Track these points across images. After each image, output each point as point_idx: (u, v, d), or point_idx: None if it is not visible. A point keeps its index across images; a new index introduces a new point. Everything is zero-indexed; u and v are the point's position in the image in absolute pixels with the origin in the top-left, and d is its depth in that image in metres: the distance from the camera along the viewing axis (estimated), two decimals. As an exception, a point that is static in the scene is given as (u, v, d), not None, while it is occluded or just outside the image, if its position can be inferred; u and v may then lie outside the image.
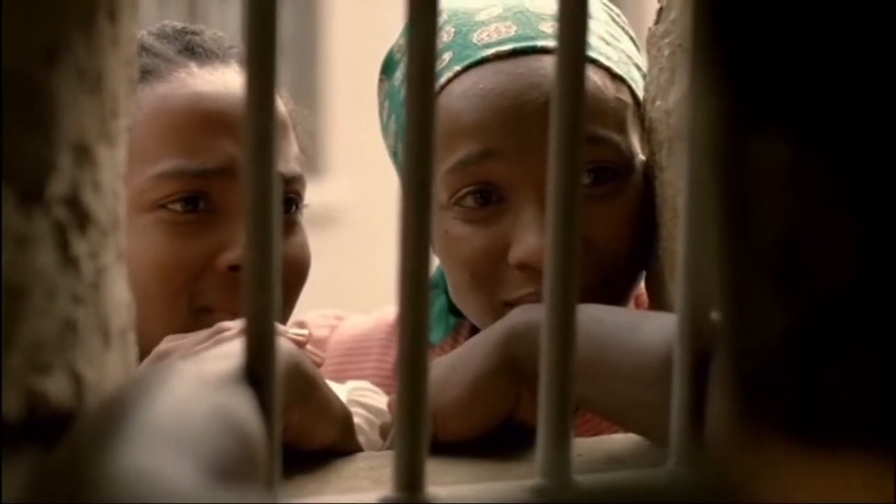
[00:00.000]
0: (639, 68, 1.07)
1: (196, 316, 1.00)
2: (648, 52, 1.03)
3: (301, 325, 1.28)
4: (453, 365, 0.89)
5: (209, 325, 0.94)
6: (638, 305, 1.12)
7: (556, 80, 0.65)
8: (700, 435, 0.71)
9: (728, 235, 0.41)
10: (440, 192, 1.01)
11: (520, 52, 1.01)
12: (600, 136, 0.99)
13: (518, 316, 0.88)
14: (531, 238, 0.96)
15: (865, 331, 0.37)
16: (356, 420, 1.03)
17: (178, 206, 1.01)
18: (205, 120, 1.02)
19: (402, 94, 0.63)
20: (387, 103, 1.11)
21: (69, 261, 0.59)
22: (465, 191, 1.00)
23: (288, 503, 0.66)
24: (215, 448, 0.55)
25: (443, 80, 1.02)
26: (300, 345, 0.91)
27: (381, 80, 1.12)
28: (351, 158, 5.59)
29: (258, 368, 0.62)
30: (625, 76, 1.04)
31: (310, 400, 0.79)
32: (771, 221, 0.38)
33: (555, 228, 0.66)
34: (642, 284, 1.07)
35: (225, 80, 1.04)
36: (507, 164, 0.98)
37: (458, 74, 1.02)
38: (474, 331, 1.11)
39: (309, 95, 5.71)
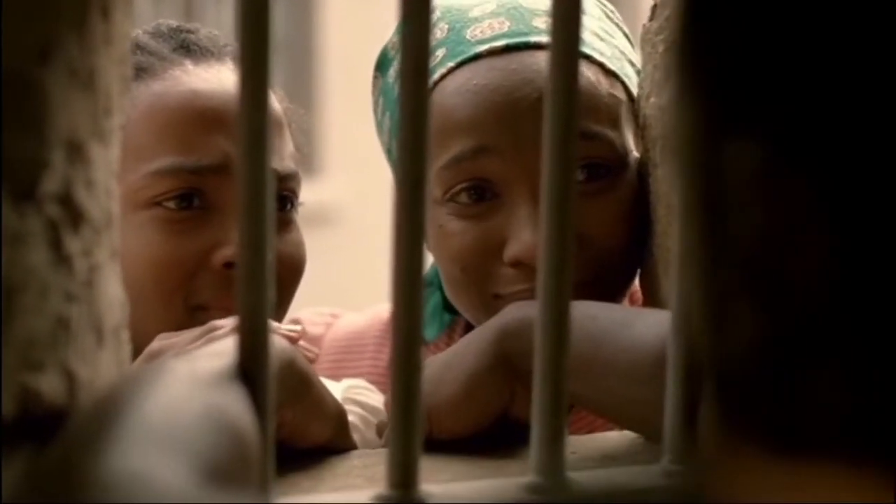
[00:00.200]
0: (633, 64, 1.07)
1: (191, 314, 1.00)
2: (643, 48, 1.03)
3: (295, 322, 1.28)
4: (447, 363, 0.89)
5: (204, 323, 0.94)
6: (633, 302, 1.12)
7: (550, 75, 0.65)
8: (694, 432, 0.71)
9: (702, 242, 0.41)
10: (434, 188, 1.01)
11: (513, 48, 1.01)
12: (594, 132, 0.99)
13: (512, 313, 0.88)
14: (525, 235, 0.96)
15: (839, 339, 0.36)
16: (351, 418, 1.03)
17: (172, 204, 1.01)
18: (200, 117, 1.02)
19: (397, 91, 0.63)
20: (381, 100, 1.11)
21: (62, 259, 0.59)
22: (459, 187, 1.00)
23: (281, 502, 0.66)
24: (208, 447, 0.55)
25: (436, 76, 1.02)
26: (293, 341, 0.91)
27: (375, 78, 1.12)
28: (346, 157, 5.59)
29: (251, 366, 0.62)
30: (618, 72, 1.04)
31: (304, 398, 0.79)
32: (745, 229, 0.38)
33: (548, 225, 0.66)
34: (637, 281, 1.07)
35: (220, 78, 1.04)
36: (500, 160, 0.98)
37: (451, 71, 1.02)
38: (469, 328, 1.11)
39: (304, 94, 5.70)
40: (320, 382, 0.82)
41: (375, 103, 1.12)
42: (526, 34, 1.01)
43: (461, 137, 0.99)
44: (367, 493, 0.65)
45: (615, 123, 1.01)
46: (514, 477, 0.69)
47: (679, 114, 0.41)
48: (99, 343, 0.62)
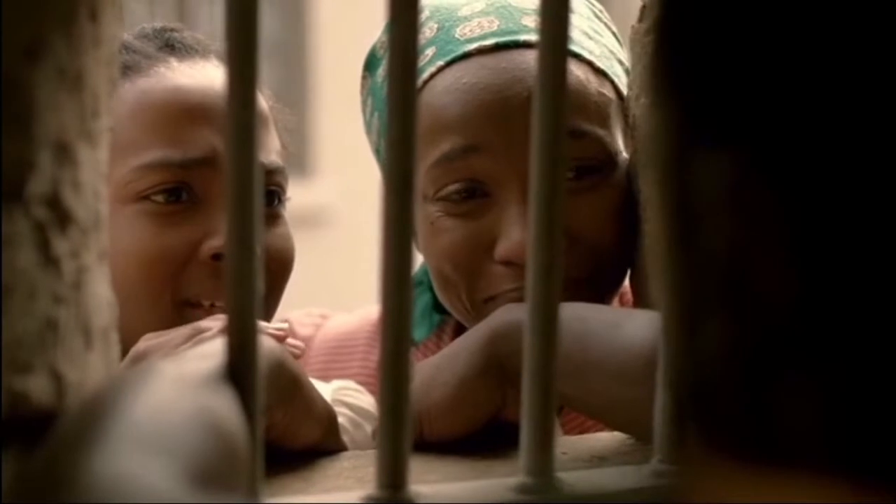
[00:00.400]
0: (622, 64, 1.07)
1: (179, 310, 1.01)
2: (632, 49, 1.03)
3: (284, 322, 1.28)
4: (438, 366, 0.89)
5: (192, 320, 0.95)
6: (623, 303, 1.12)
7: (538, 73, 0.65)
8: (683, 433, 0.71)
9: (673, 254, 0.41)
10: (425, 187, 1.01)
11: (502, 46, 1.01)
12: (583, 130, 0.99)
13: (502, 315, 0.88)
14: (515, 233, 0.96)
15: (806, 352, 0.36)
16: (340, 420, 1.03)
17: (160, 198, 1.02)
18: (186, 111, 1.03)
19: (385, 90, 0.63)
20: (370, 100, 1.11)
21: (50, 260, 0.59)
22: (449, 185, 1.00)
23: (270, 503, 0.66)
24: (195, 449, 0.55)
25: (426, 75, 1.02)
26: (280, 340, 0.91)
27: (363, 77, 1.12)
28: (338, 158, 5.59)
29: (240, 368, 0.62)
30: (607, 71, 1.04)
31: (293, 399, 0.79)
32: (715, 241, 0.38)
33: (537, 224, 0.66)
34: (627, 282, 1.07)
35: (205, 73, 1.06)
36: (490, 158, 0.98)
37: (441, 69, 1.02)
38: (459, 328, 1.12)
39: (296, 96, 5.70)
40: (310, 383, 0.82)
41: (364, 103, 1.13)
42: (515, 33, 1.01)
43: (451, 136, 0.99)
44: (357, 495, 0.65)
45: (604, 122, 1.01)
46: (503, 478, 0.69)
47: (654, 122, 0.41)
48: (87, 345, 0.62)
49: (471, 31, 1.03)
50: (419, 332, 1.17)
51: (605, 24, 1.10)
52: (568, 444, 0.86)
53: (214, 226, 1.02)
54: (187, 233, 1.02)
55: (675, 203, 0.40)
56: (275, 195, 1.06)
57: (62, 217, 0.60)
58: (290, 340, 0.94)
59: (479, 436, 0.87)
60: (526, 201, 0.94)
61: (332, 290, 3.59)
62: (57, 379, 0.59)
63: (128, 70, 1.03)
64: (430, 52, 1.03)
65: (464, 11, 1.05)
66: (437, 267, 1.03)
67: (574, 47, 1.01)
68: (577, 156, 0.99)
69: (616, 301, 1.11)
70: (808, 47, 0.36)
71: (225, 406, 0.59)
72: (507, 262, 0.98)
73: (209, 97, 1.03)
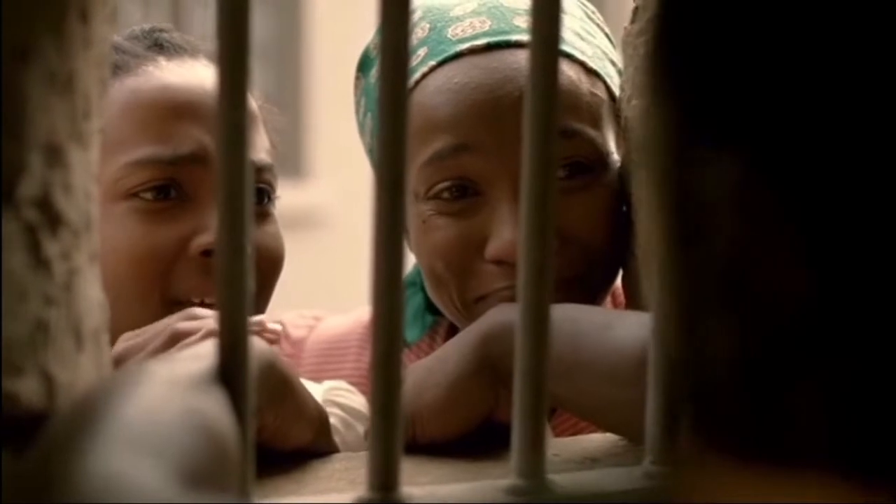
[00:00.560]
0: (614, 65, 1.07)
1: (169, 309, 1.01)
2: (624, 51, 1.03)
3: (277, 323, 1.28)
4: (431, 367, 0.89)
5: None
6: (616, 303, 1.12)
7: (530, 73, 0.65)
8: (675, 434, 0.71)
9: (674, 256, 0.40)
10: (416, 186, 1.01)
11: (494, 46, 1.01)
12: (574, 129, 0.99)
13: (494, 316, 0.88)
14: (506, 232, 0.96)
15: (812, 353, 0.36)
16: (332, 420, 1.03)
17: (149, 195, 1.03)
18: (174, 108, 1.04)
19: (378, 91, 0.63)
20: (363, 101, 1.11)
21: (40, 262, 0.59)
22: (440, 185, 1.00)
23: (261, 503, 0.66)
24: (186, 449, 0.55)
25: (418, 75, 1.02)
26: (271, 342, 0.91)
27: (357, 78, 1.12)
28: (333, 160, 5.58)
29: (231, 369, 0.62)
30: (599, 71, 1.04)
31: (285, 401, 0.79)
32: (719, 242, 0.38)
33: (528, 223, 0.66)
34: (619, 282, 1.07)
35: (194, 72, 1.06)
36: (482, 158, 0.98)
37: (433, 69, 1.02)
38: (452, 329, 1.12)
39: (291, 97, 5.70)
40: (301, 385, 0.82)
41: (357, 104, 1.13)
42: (507, 33, 1.01)
43: (443, 135, 0.99)
44: (349, 496, 0.65)
45: (596, 122, 1.01)
46: (495, 479, 0.69)
47: (653, 123, 0.41)
48: (78, 346, 0.62)
49: (463, 31, 1.03)
50: (412, 334, 1.17)
51: (598, 25, 1.10)
52: (560, 446, 0.86)
53: (203, 222, 1.02)
54: (176, 230, 1.02)
55: (675, 203, 0.40)
56: (264, 193, 1.06)
57: (53, 219, 0.59)
58: (268, 325, 0.95)
59: (471, 437, 0.87)
60: (517, 200, 0.93)
61: (327, 292, 3.59)
62: (48, 380, 0.59)
63: (117, 69, 1.03)
64: (422, 52, 1.03)
65: (456, 12, 1.05)
66: (429, 265, 1.03)
67: (566, 47, 1.01)
68: (568, 155, 0.99)
69: (609, 301, 1.11)
70: (807, 46, 0.36)
71: (215, 407, 0.59)
72: (497, 261, 0.98)
73: (197, 95, 1.04)
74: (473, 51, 1.01)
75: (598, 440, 0.88)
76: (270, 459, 0.78)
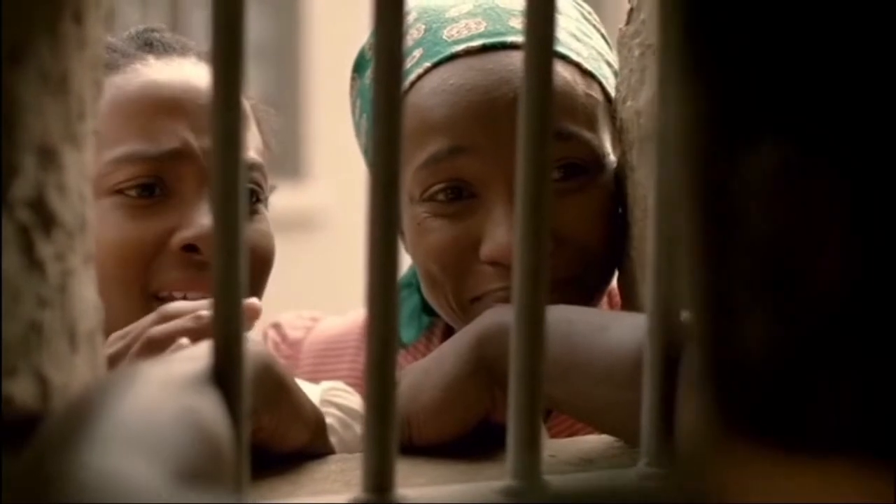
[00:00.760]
0: (610, 66, 1.07)
1: (150, 303, 1.01)
2: (619, 52, 1.03)
3: (275, 325, 1.29)
4: (426, 369, 0.89)
5: None
6: (612, 306, 1.12)
7: (524, 75, 0.65)
8: (671, 435, 0.71)
9: (708, 244, 0.40)
10: (412, 189, 1.01)
11: (489, 47, 1.01)
12: (570, 131, 0.99)
13: (490, 318, 0.88)
14: (500, 234, 0.96)
15: (859, 342, 0.36)
16: (329, 420, 1.03)
17: (134, 192, 1.03)
18: (159, 105, 1.04)
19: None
20: (358, 102, 1.11)
21: (34, 263, 0.59)
22: (436, 186, 1.00)
23: (255, 504, 0.66)
24: (181, 449, 0.55)
25: (413, 76, 1.02)
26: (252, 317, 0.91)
27: (352, 79, 1.12)
28: (331, 162, 5.58)
29: (226, 370, 0.62)
30: (595, 72, 1.04)
31: (281, 402, 0.79)
32: (759, 231, 0.37)
33: (523, 225, 0.66)
34: (615, 284, 1.07)
35: (181, 69, 1.06)
36: (477, 159, 0.98)
37: (428, 71, 1.02)
38: (448, 330, 1.11)
39: (289, 98, 5.70)
40: (297, 386, 0.82)
41: (353, 105, 1.13)
42: (502, 34, 1.01)
43: (438, 137, 0.99)
44: (344, 498, 0.65)
45: (591, 124, 1.01)
46: (491, 480, 0.69)
47: (682, 112, 0.40)
48: (72, 348, 0.62)
49: (458, 32, 1.03)
50: (408, 334, 1.17)
51: (594, 26, 1.10)
52: (556, 447, 0.86)
53: (186, 218, 1.03)
54: (159, 225, 1.03)
55: (708, 192, 0.39)
56: (253, 192, 1.06)
57: (47, 220, 0.59)
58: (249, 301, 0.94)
59: (467, 438, 0.87)
60: (512, 202, 0.94)
61: (325, 293, 3.59)
62: (42, 382, 0.59)
63: (106, 68, 1.03)
64: (417, 53, 1.03)
65: (451, 13, 1.05)
66: (425, 267, 1.03)
67: (561, 49, 1.01)
68: (563, 157, 0.99)
69: (605, 302, 1.11)
70: (850, 29, 0.35)
71: (210, 407, 0.59)
72: (492, 263, 0.98)
73: (183, 91, 1.05)
74: (469, 52, 1.01)
75: (594, 441, 0.88)
76: (266, 461, 0.78)
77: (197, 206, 1.03)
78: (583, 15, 1.10)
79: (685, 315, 0.70)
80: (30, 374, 0.58)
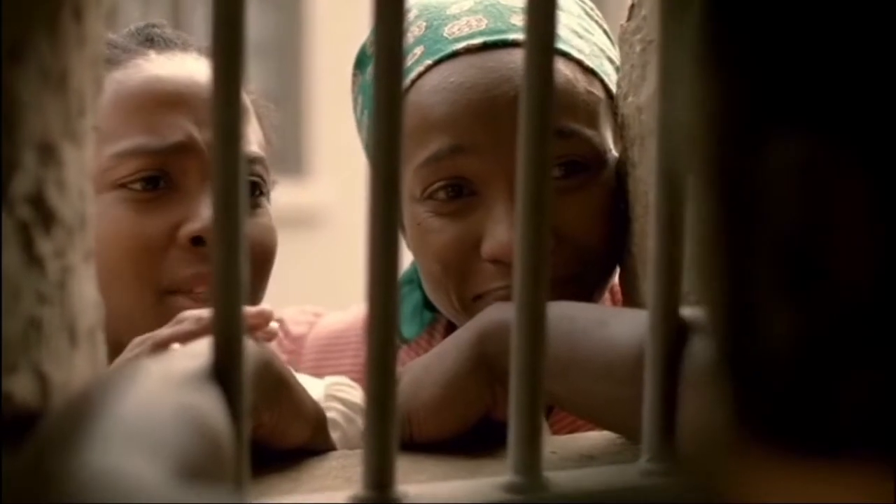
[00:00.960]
0: (612, 62, 1.06)
1: (161, 299, 1.01)
2: (621, 48, 1.02)
3: (276, 320, 1.28)
4: (427, 366, 0.89)
5: (175, 308, 0.95)
6: (614, 302, 1.12)
7: (525, 72, 0.65)
8: (672, 431, 0.71)
9: (728, 237, 0.39)
10: (413, 186, 1.01)
11: (490, 45, 1.01)
12: (571, 129, 0.99)
13: (491, 315, 0.88)
14: (501, 232, 0.96)
15: (883, 339, 0.35)
16: (333, 415, 1.03)
17: (138, 186, 1.04)
18: (162, 99, 1.05)
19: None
20: (360, 98, 1.11)
21: (34, 260, 0.59)
22: (436, 185, 1.00)
23: (254, 503, 0.66)
24: (180, 445, 0.55)
25: (414, 74, 1.02)
26: (268, 339, 0.91)
27: (354, 76, 1.12)
28: (333, 158, 5.58)
29: (226, 367, 0.62)
30: (597, 69, 1.03)
31: (281, 399, 0.79)
32: (783, 225, 0.37)
33: (524, 223, 0.66)
34: (617, 280, 1.07)
35: (182, 64, 1.07)
36: (478, 158, 0.98)
37: (429, 68, 1.02)
38: (450, 326, 1.11)
39: (292, 95, 5.70)
40: (298, 383, 0.82)
41: (354, 101, 1.13)
42: (503, 32, 1.01)
43: (439, 136, 0.99)
44: (344, 495, 0.65)
45: (593, 121, 1.01)
46: (492, 477, 0.69)
47: (700, 105, 0.40)
48: (72, 344, 0.62)
49: (459, 29, 1.02)
50: (410, 331, 1.17)
51: (596, 22, 1.10)
52: (557, 444, 0.85)
53: (192, 211, 1.03)
54: (165, 219, 1.03)
55: (730, 188, 0.39)
56: (255, 186, 1.06)
57: (46, 217, 0.59)
58: (271, 326, 0.95)
59: (468, 435, 0.87)
60: (512, 199, 0.93)
61: (327, 289, 3.59)
62: (41, 379, 0.59)
63: (107, 64, 1.03)
64: (418, 50, 1.03)
65: (452, 10, 1.05)
66: (427, 267, 1.03)
67: (562, 46, 1.01)
68: (564, 155, 0.98)
69: (607, 298, 1.11)
70: (871, 22, 0.35)
71: (210, 404, 0.59)
72: (493, 261, 0.98)
73: (186, 85, 1.05)
74: (469, 50, 1.01)
75: (596, 438, 0.87)
76: (267, 458, 0.78)
77: (202, 199, 1.02)
78: (585, 11, 1.10)
79: (687, 311, 0.70)
80: (29, 372, 0.58)
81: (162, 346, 0.88)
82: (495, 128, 0.97)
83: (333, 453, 0.85)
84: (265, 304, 0.99)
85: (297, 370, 1.04)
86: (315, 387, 1.08)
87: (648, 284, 0.72)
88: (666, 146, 0.69)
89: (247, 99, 1.06)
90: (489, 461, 0.80)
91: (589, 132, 1.00)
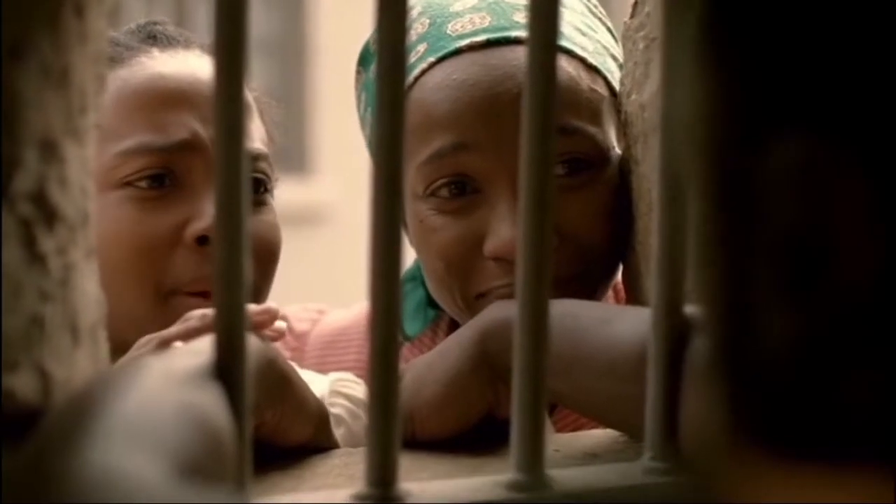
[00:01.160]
0: (615, 59, 1.06)
1: (164, 300, 1.01)
2: (624, 45, 1.02)
3: (283, 318, 1.28)
4: (430, 363, 0.89)
5: (179, 308, 0.95)
6: (617, 300, 1.12)
7: (528, 70, 0.65)
8: (675, 430, 0.71)
9: (727, 236, 0.39)
10: (415, 185, 1.01)
11: (493, 42, 1.01)
12: (574, 127, 0.99)
13: (493, 312, 0.88)
14: (503, 230, 0.96)
15: (883, 339, 0.35)
16: (338, 411, 1.03)
17: (143, 184, 1.03)
18: (166, 97, 1.04)
19: (378, 85, 0.63)
20: (363, 95, 1.11)
21: (36, 257, 0.59)
22: (439, 182, 1.00)
23: (255, 503, 0.66)
24: (182, 443, 0.54)
25: (417, 71, 1.02)
26: (273, 339, 0.91)
27: (357, 73, 1.12)
28: (337, 156, 5.59)
29: (228, 365, 0.62)
30: (600, 67, 1.03)
31: (284, 397, 0.79)
32: (782, 224, 0.37)
33: (527, 221, 0.66)
34: (620, 278, 1.07)
35: (186, 61, 1.06)
36: (480, 155, 0.98)
37: (432, 66, 1.02)
38: (453, 324, 1.11)
39: (296, 93, 5.70)
40: (301, 381, 0.82)
41: (358, 98, 1.13)
42: (507, 29, 1.01)
43: (441, 133, 0.99)
44: (346, 493, 0.65)
45: (596, 118, 1.01)
46: (494, 475, 0.69)
47: (701, 103, 0.40)
48: (75, 342, 0.62)
49: (462, 27, 1.02)
50: (413, 328, 1.17)
51: (600, 19, 1.10)
52: (560, 442, 0.85)
53: (198, 209, 1.02)
54: (171, 218, 1.03)
55: (729, 187, 0.39)
56: (260, 183, 1.06)
57: (49, 214, 0.59)
58: (278, 324, 0.95)
59: (470, 433, 0.87)
60: (515, 197, 0.93)
61: (330, 286, 3.59)
62: (43, 376, 0.59)
63: (110, 62, 1.03)
64: (421, 48, 1.03)
65: (456, 7, 1.04)
66: (430, 265, 1.03)
67: (566, 43, 1.01)
68: (568, 152, 0.98)
69: (611, 295, 1.10)
70: (879, 23, 0.35)
71: (211, 401, 0.59)
72: (496, 259, 0.98)
73: (189, 83, 1.04)
74: (473, 47, 1.01)
75: (599, 436, 0.87)
76: (269, 456, 0.78)
77: (207, 197, 1.02)
78: (588, 8, 1.10)
79: (691, 308, 0.70)
80: (31, 369, 0.58)
81: (167, 345, 0.88)
82: (498, 125, 0.97)
83: (336, 451, 0.85)
84: (270, 302, 0.99)
85: (300, 367, 1.04)
86: (320, 383, 1.08)
87: (651, 282, 0.72)
88: (669, 143, 0.69)
89: (250, 96, 1.06)
90: (492, 459, 0.80)
91: (592, 129, 1.00)
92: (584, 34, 1.05)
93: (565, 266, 0.96)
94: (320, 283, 4.13)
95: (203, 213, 1.01)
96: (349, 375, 1.16)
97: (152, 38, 1.09)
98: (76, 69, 0.61)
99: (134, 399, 0.56)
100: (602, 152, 1.01)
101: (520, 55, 0.98)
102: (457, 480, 0.71)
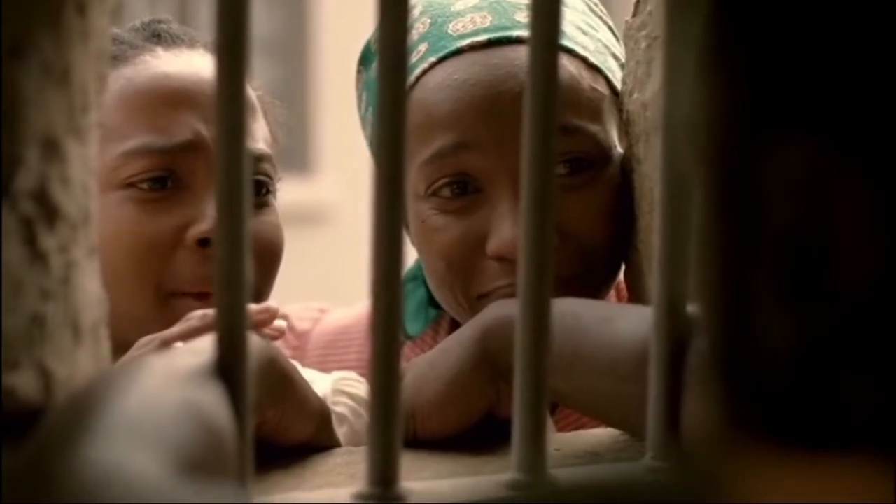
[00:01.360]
0: (617, 58, 1.06)
1: (165, 302, 1.01)
2: (626, 44, 1.02)
3: (282, 317, 1.28)
4: (431, 362, 0.89)
5: (180, 310, 0.95)
6: (619, 299, 1.12)
7: (529, 69, 0.65)
8: (677, 429, 0.71)
9: (728, 237, 0.39)
10: (417, 183, 1.01)
11: (495, 42, 1.01)
12: (575, 126, 0.99)
13: (494, 311, 0.88)
14: (505, 229, 0.96)
15: (881, 339, 0.35)
16: (340, 409, 1.03)
17: (146, 185, 1.03)
18: (169, 97, 1.04)
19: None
20: (364, 94, 1.11)
21: (37, 255, 0.59)
22: (441, 182, 1.00)
23: (257, 502, 0.66)
24: (183, 441, 0.54)
25: (418, 71, 1.02)
26: (274, 338, 0.91)
27: (358, 72, 1.12)
28: (339, 156, 5.59)
29: (229, 364, 0.62)
30: (601, 66, 1.03)
31: (285, 395, 0.79)
32: (783, 226, 0.37)
33: (528, 221, 0.66)
34: (622, 277, 1.07)
35: (190, 61, 1.06)
36: (482, 155, 0.98)
37: (433, 65, 1.01)
38: (455, 323, 1.11)
39: (298, 92, 5.70)
40: (303, 380, 0.82)
41: (359, 98, 1.12)
42: (508, 28, 1.01)
43: (443, 133, 0.99)
44: (347, 492, 0.65)
45: (597, 117, 1.01)
46: (495, 474, 0.69)
47: (704, 103, 0.40)
48: (76, 340, 0.62)
49: (463, 26, 1.02)
50: (415, 327, 1.17)
51: (601, 18, 1.10)
52: (561, 441, 0.85)
53: (200, 211, 1.02)
54: (173, 219, 1.02)
55: (732, 188, 0.39)
56: (262, 184, 1.06)
57: (50, 212, 0.59)
58: (278, 323, 0.94)
59: (472, 432, 0.87)
60: (517, 197, 0.93)
61: (332, 286, 3.59)
62: (45, 375, 0.59)
63: (114, 60, 1.03)
64: (422, 47, 1.03)
65: (457, 7, 1.04)
66: (431, 266, 1.03)
67: (567, 42, 1.01)
68: (569, 151, 0.98)
69: (613, 294, 1.10)
70: (881, 27, 0.35)
71: (213, 400, 0.59)
72: (498, 258, 0.98)
73: (193, 83, 1.04)
74: (474, 47, 1.01)
75: (600, 435, 0.87)
76: (271, 454, 0.78)
77: (209, 199, 1.02)
78: (589, 7, 1.10)
79: (692, 308, 0.70)
80: (32, 367, 0.58)
81: (168, 345, 0.88)
82: (499, 125, 0.97)
83: (337, 450, 0.85)
84: (271, 301, 0.99)
85: (301, 366, 1.04)
86: (323, 381, 1.08)
87: (653, 281, 0.72)
88: (671, 142, 0.69)
89: (253, 95, 1.06)
90: (493, 458, 0.80)
91: (593, 129, 1.00)
92: (585, 33, 1.05)
93: (567, 265, 0.96)
94: (322, 283, 4.13)
95: (205, 216, 1.01)
96: (352, 374, 1.16)
97: (157, 36, 1.08)
98: (78, 68, 0.61)
99: (135, 397, 0.56)
100: (604, 151, 1.01)
101: (521, 54, 0.98)
102: (458, 480, 0.71)
